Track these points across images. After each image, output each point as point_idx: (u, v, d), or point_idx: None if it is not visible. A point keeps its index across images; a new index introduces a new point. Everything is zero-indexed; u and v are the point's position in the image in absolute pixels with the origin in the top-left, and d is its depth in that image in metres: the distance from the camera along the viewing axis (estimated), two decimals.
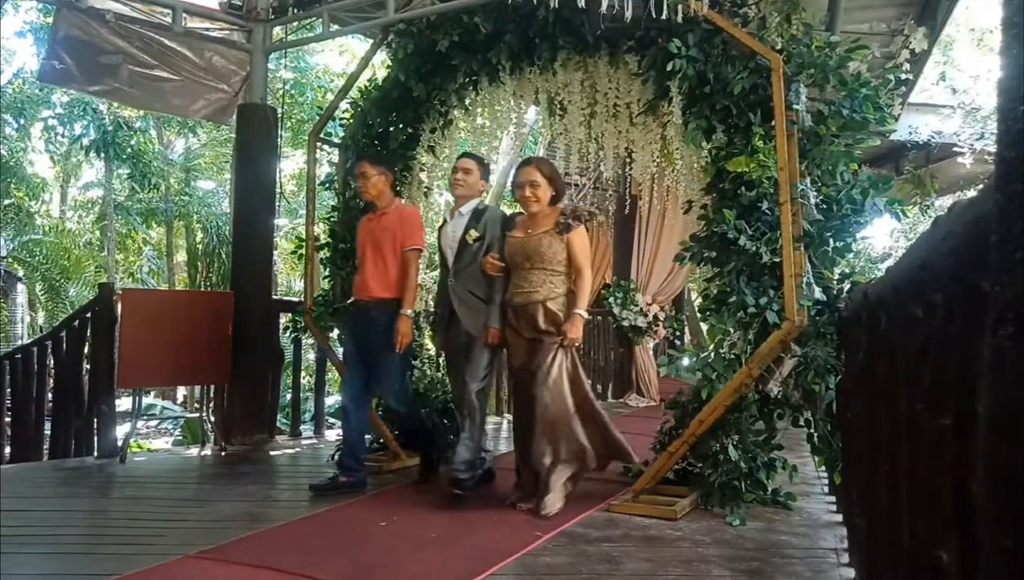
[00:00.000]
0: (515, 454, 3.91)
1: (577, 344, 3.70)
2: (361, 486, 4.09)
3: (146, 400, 10.68)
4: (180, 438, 10.07)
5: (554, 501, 3.59)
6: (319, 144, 5.23)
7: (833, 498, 3.79)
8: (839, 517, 3.38)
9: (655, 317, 8.53)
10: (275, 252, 6.94)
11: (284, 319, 5.94)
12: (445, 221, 4.15)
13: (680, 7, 3.66)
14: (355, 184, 4.28)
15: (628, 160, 5.09)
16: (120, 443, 5.11)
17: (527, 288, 3.71)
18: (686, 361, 4.13)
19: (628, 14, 3.72)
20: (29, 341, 8.93)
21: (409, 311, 4.03)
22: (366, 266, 4.14)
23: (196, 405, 5.95)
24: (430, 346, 5.18)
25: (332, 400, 10.38)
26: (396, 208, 4.22)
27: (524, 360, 3.78)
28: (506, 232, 3.87)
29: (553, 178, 3.79)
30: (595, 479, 4.33)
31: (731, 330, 3.69)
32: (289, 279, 16.10)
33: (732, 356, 3.66)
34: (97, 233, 16.26)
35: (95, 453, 5.07)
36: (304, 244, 5.13)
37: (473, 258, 3.91)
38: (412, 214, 4.25)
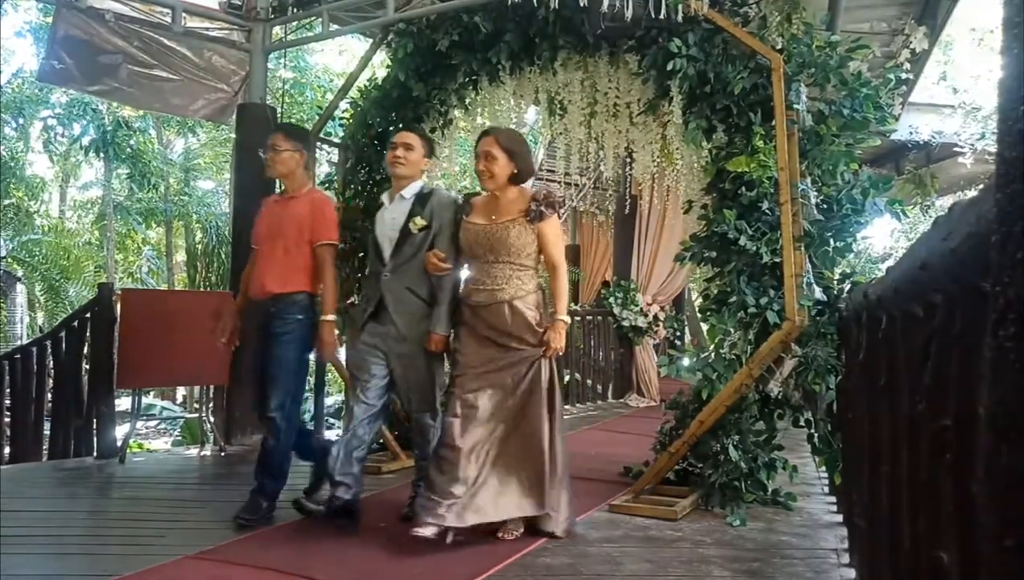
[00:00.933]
0: (431, 472, 3.11)
1: (560, 353, 3.25)
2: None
3: (145, 400, 10.70)
4: (180, 438, 10.08)
5: (516, 524, 3.16)
6: (319, 144, 5.22)
7: (833, 498, 3.79)
8: (839, 517, 3.38)
9: (655, 317, 8.53)
10: None
11: None
12: (382, 205, 3.56)
13: (680, 7, 3.66)
14: (264, 156, 3.66)
15: (628, 160, 5.09)
16: (120, 443, 5.11)
17: (490, 285, 3.20)
18: (686, 361, 4.10)
19: (628, 14, 3.72)
20: (28, 341, 8.93)
21: (331, 316, 3.49)
22: (262, 258, 3.59)
23: (196, 405, 5.94)
24: None
25: (332, 400, 10.40)
26: (308, 194, 3.64)
27: (479, 365, 3.20)
28: (461, 217, 3.33)
29: (514, 152, 3.23)
30: (595, 479, 4.33)
31: (731, 330, 3.69)
32: None
33: (732, 356, 3.66)
34: (96, 233, 16.27)
35: (95, 453, 5.07)
36: None
37: (416, 251, 3.35)
38: (325, 203, 3.66)
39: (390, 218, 3.45)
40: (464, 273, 3.40)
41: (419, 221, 3.35)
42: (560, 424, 3.24)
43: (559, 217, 3.34)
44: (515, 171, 3.24)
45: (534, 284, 3.25)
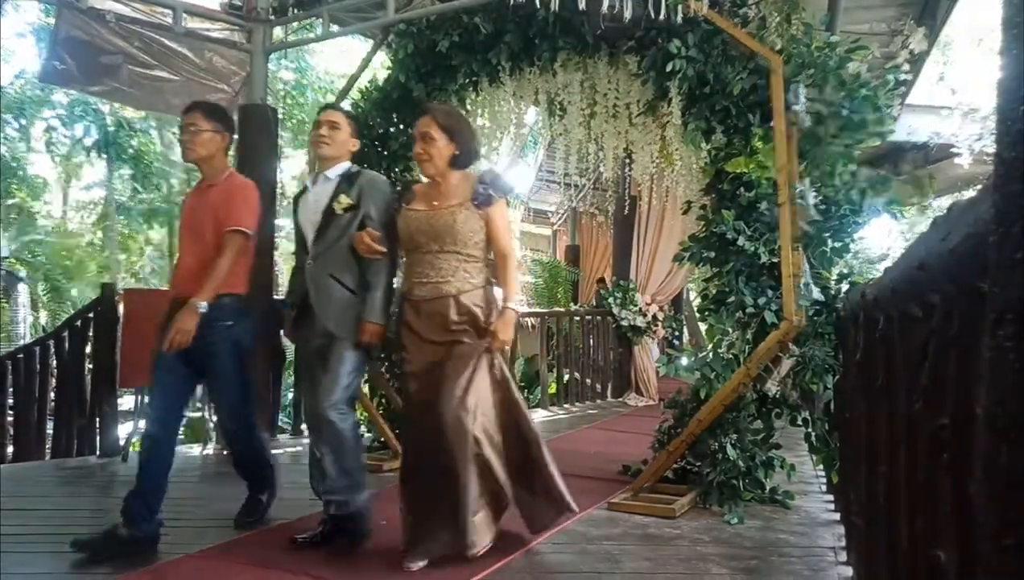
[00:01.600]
0: (401, 498, 2.96)
1: (507, 347, 3.03)
2: (151, 543, 2.98)
3: (147, 399, 10.67)
4: (181, 437, 10.06)
5: (481, 536, 2.82)
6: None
7: (831, 497, 3.80)
8: (837, 516, 3.39)
9: (654, 317, 8.55)
10: (276, 252, 6.93)
11: None
12: (305, 189, 3.23)
13: (680, 7, 3.66)
14: (179, 137, 3.29)
15: (628, 160, 5.10)
16: (122, 442, 5.12)
17: (434, 277, 2.89)
18: (685, 361, 4.10)
19: (628, 14, 3.72)
20: (31, 341, 8.93)
21: (202, 303, 2.97)
22: (182, 257, 3.27)
23: (197, 404, 5.94)
24: None
25: None
26: (227, 180, 3.25)
27: (426, 371, 2.92)
28: (400, 205, 3.04)
29: (454, 132, 2.94)
30: (595, 478, 4.33)
31: (730, 330, 3.70)
32: None
33: (730, 356, 3.67)
34: (99, 233, 16.26)
35: (97, 452, 5.08)
36: None
37: (341, 233, 3.01)
38: (244, 188, 3.25)
39: (313, 200, 3.13)
40: (405, 265, 3.11)
41: (344, 200, 3.03)
42: (524, 434, 3.01)
43: (508, 202, 3.08)
44: (456, 153, 2.95)
45: (483, 278, 2.96)
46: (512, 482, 2.95)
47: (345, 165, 3.19)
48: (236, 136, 3.53)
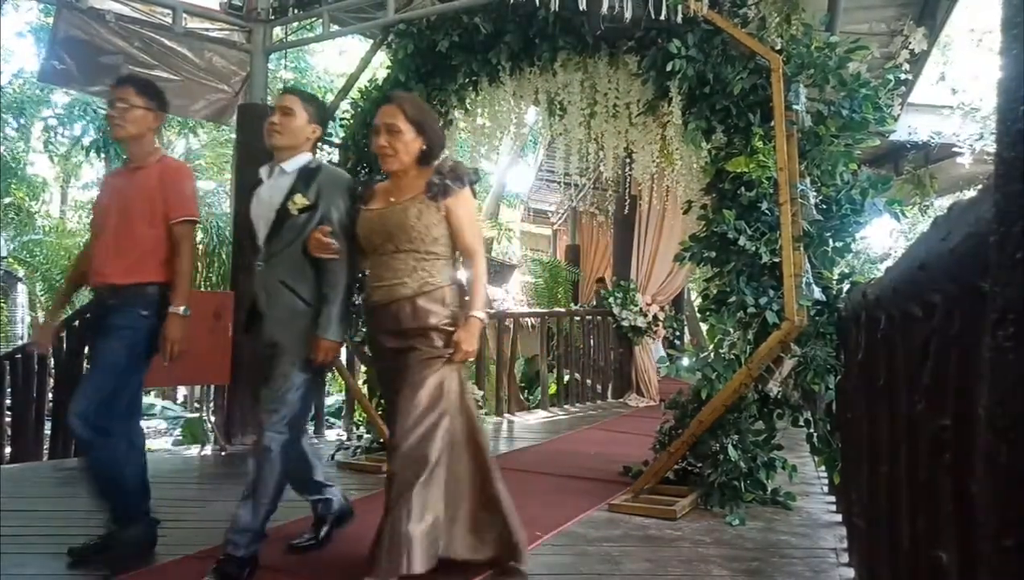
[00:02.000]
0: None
1: (471, 358, 2.69)
2: (150, 542, 2.90)
3: (146, 400, 10.68)
4: (180, 438, 10.07)
5: (415, 555, 2.42)
6: (319, 144, 5.22)
7: (832, 498, 3.79)
8: (838, 517, 3.39)
9: (654, 317, 8.55)
10: None
11: None
12: (259, 182, 2.91)
13: (680, 7, 3.66)
14: (107, 114, 3.00)
15: (628, 160, 5.10)
16: None
17: (390, 279, 2.62)
18: (686, 361, 4.09)
19: (628, 14, 3.72)
20: (29, 341, 8.92)
21: (182, 308, 2.85)
22: (101, 241, 2.95)
23: (196, 405, 5.94)
24: None
25: (332, 400, 10.40)
26: (158, 163, 2.98)
27: (388, 382, 2.74)
28: (358, 204, 2.76)
29: (423, 125, 2.65)
30: (595, 479, 4.33)
31: (731, 330, 3.70)
32: None
33: (732, 356, 3.67)
34: None
35: None
36: None
37: (296, 235, 2.71)
38: (180, 172, 3.05)
39: (267, 196, 2.82)
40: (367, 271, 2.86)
41: (300, 199, 2.72)
42: (485, 471, 2.64)
43: (473, 193, 2.72)
44: (424, 148, 2.65)
45: (447, 276, 2.65)
46: (466, 515, 2.61)
47: (303, 158, 2.85)
48: (168, 114, 3.22)
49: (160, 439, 10.95)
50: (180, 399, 14.09)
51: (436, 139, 2.71)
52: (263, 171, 2.90)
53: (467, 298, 2.68)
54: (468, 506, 2.61)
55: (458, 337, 2.57)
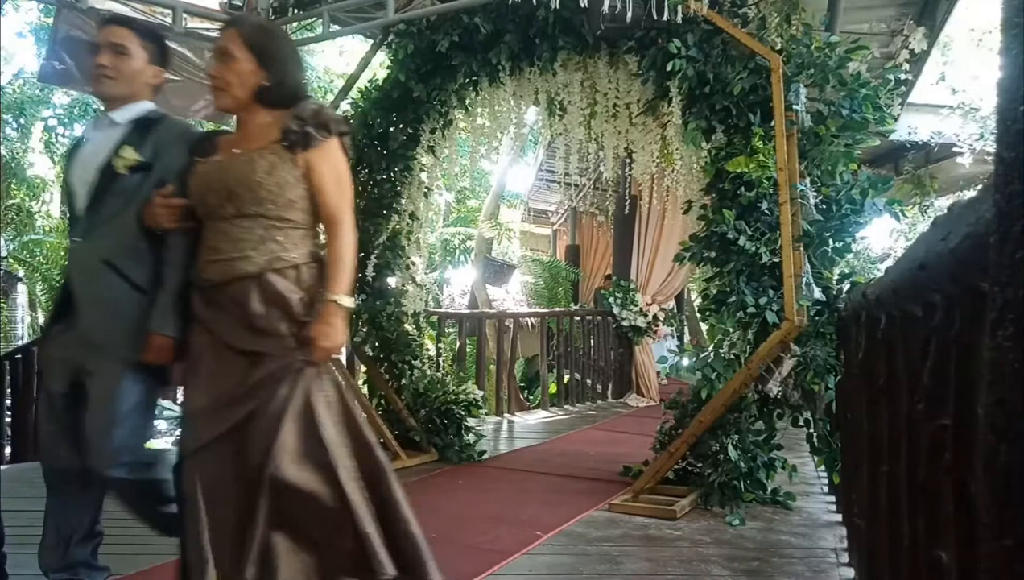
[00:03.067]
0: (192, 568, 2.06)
1: (334, 356, 2.10)
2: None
3: None
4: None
5: None
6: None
7: (832, 498, 3.80)
8: (838, 517, 3.39)
9: (655, 317, 8.56)
10: None
11: None
12: (81, 140, 2.37)
13: (680, 7, 3.66)
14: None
15: (628, 160, 5.10)
16: None
17: (228, 251, 2.01)
18: (686, 361, 4.09)
19: (628, 14, 3.72)
20: (29, 341, 8.93)
21: None
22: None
23: None
24: (429, 346, 5.17)
25: None
26: None
27: (221, 394, 1.99)
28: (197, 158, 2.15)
29: (265, 53, 2.08)
30: (595, 479, 4.33)
31: (731, 330, 3.70)
32: None
33: (732, 356, 3.67)
34: None
35: None
36: None
37: (127, 202, 2.15)
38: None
39: (91, 153, 2.23)
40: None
41: (129, 154, 2.15)
42: (377, 476, 2.06)
43: (344, 149, 2.13)
44: (267, 83, 2.08)
45: (306, 252, 2.07)
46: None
47: (141, 107, 2.28)
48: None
49: (160, 439, 10.95)
50: (180, 399, 14.09)
51: (287, 75, 2.12)
52: (89, 125, 2.32)
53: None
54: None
55: (313, 331, 1.96)
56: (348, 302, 2.03)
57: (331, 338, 1.98)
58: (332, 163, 2.08)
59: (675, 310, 9.95)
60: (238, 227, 2.02)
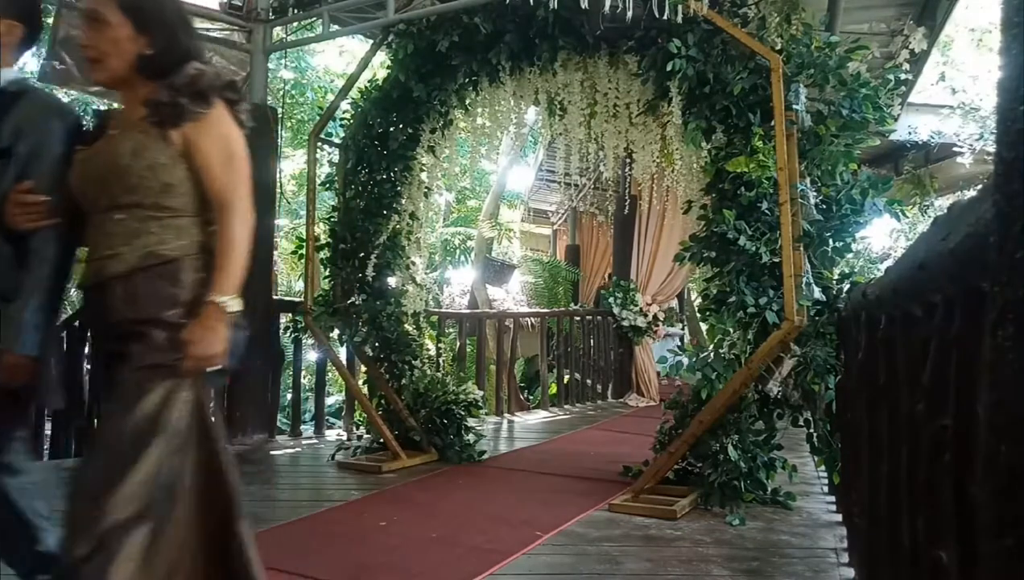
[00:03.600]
0: None
1: (215, 367, 1.75)
2: None
3: None
4: None
5: None
6: (319, 144, 5.23)
7: (833, 498, 3.80)
8: (839, 517, 3.39)
9: (655, 317, 8.57)
10: (275, 252, 6.95)
11: (284, 319, 5.95)
12: None
13: (680, 7, 3.66)
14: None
15: (628, 160, 5.10)
16: None
17: (102, 250, 1.78)
18: (686, 361, 4.08)
19: (628, 14, 3.72)
20: None
21: None
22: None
23: None
24: (429, 346, 5.17)
25: (332, 400, 10.40)
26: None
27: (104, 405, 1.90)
28: (78, 143, 1.89)
29: (146, 16, 1.80)
30: (595, 479, 4.33)
31: (731, 330, 3.70)
32: (289, 279, 16.11)
33: (732, 356, 3.67)
34: None
35: None
36: (304, 244, 5.13)
37: None
38: None
39: None
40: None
41: None
42: (226, 494, 1.80)
43: (238, 119, 1.87)
44: (149, 51, 1.79)
45: (189, 244, 1.79)
46: None
47: (4, 76, 1.93)
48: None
49: None
50: None
51: (173, 41, 1.82)
52: None
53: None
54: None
55: (188, 335, 1.70)
56: (234, 304, 1.73)
57: (205, 345, 1.70)
58: (217, 137, 1.79)
59: (677, 309, 9.96)
60: (112, 221, 1.77)
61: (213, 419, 1.79)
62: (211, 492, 1.76)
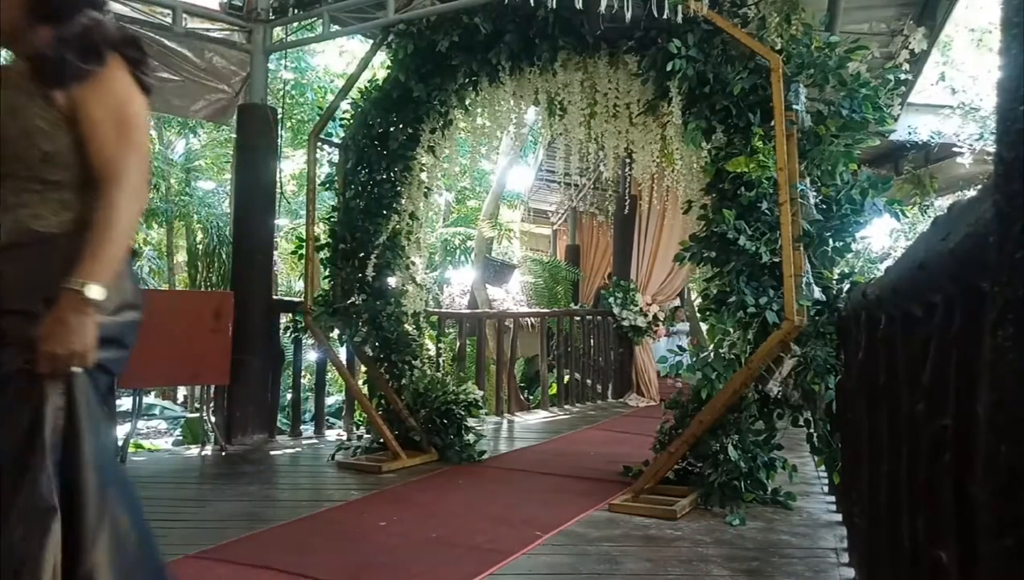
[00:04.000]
0: None
1: (82, 367, 1.48)
2: None
3: (146, 400, 10.69)
4: (180, 438, 10.08)
5: None
6: (319, 144, 5.23)
7: (833, 498, 3.80)
8: (839, 517, 3.39)
9: (655, 317, 8.57)
10: (275, 252, 6.95)
11: (284, 319, 5.95)
12: None
13: (680, 7, 3.66)
14: None
15: (628, 160, 5.10)
16: (120, 443, 5.11)
17: None
18: (686, 361, 4.08)
19: (628, 14, 3.72)
20: None
21: None
22: None
23: (196, 405, 5.93)
24: (429, 346, 5.17)
25: (332, 400, 10.41)
26: None
27: None
28: None
29: None
30: (595, 479, 4.33)
31: (731, 330, 3.70)
32: (289, 279, 16.12)
33: (732, 356, 3.67)
34: None
35: None
36: (304, 244, 5.13)
37: None
38: None
39: None
40: None
41: None
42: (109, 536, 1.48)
43: (139, 81, 1.65)
44: None
45: (70, 218, 1.56)
46: None
47: None
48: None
49: (160, 439, 10.96)
50: (180, 399, 14.10)
51: None
52: None
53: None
54: None
55: (42, 331, 1.44)
56: (96, 292, 1.46)
57: (61, 340, 1.43)
58: (108, 100, 1.55)
59: (680, 307, 9.97)
60: None
61: (86, 428, 1.48)
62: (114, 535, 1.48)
